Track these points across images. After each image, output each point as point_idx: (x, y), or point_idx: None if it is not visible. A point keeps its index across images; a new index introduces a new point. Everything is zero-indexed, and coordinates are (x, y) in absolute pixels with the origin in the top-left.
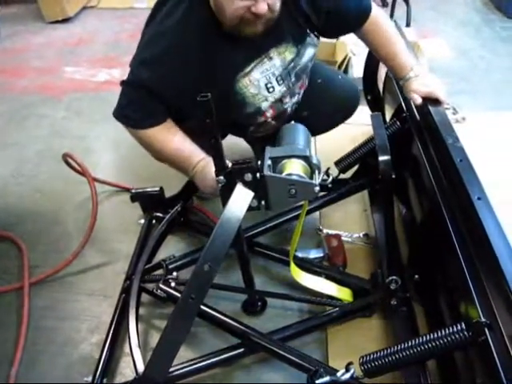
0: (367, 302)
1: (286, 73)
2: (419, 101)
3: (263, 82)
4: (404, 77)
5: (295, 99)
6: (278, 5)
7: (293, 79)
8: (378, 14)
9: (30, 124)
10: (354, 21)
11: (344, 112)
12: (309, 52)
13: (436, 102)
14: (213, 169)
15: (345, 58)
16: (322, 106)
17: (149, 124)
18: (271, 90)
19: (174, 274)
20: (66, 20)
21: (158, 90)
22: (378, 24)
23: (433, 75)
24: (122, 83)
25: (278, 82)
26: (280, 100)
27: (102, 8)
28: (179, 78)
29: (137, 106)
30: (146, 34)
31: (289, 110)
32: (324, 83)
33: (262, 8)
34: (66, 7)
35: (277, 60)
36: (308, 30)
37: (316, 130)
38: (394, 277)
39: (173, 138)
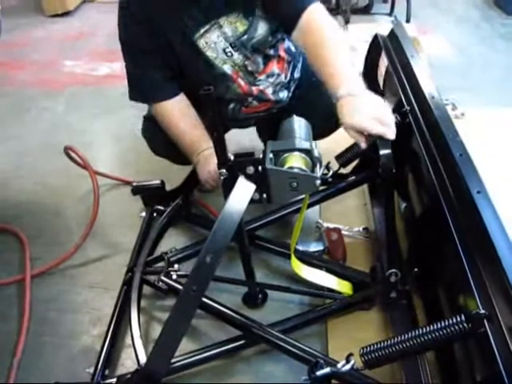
0: (367, 295)
1: (240, 43)
2: (363, 145)
3: (220, 46)
4: (335, 95)
5: (276, 79)
6: None
7: (249, 50)
8: (319, 11)
9: (31, 117)
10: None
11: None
12: (262, 25)
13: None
14: (213, 161)
15: None
16: (313, 109)
17: (159, 97)
18: (229, 54)
19: (176, 266)
20: (66, 13)
21: (146, 45)
22: (314, 23)
23: (375, 97)
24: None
25: (233, 48)
26: (249, 72)
27: (103, 1)
28: (144, 32)
29: (141, 74)
30: None
31: (269, 91)
32: (318, 83)
33: None
34: (66, 1)
35: (227, 29)
36: (258, 2)
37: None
38: (394, 270)
39: (182, 119)
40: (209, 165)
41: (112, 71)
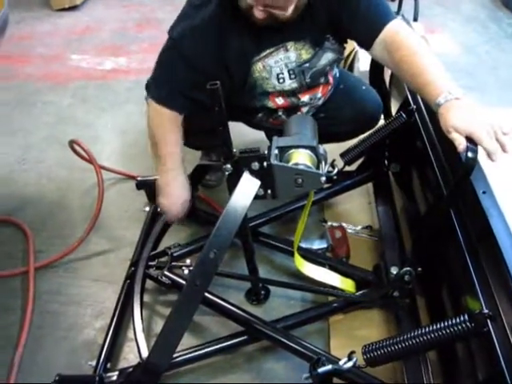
0: (372, 293)
1: (300, 71)
2: (463, 146)
3: (275, 71)
4: (436, 101)
5: (315, 102)
6: (287, 12)
7: (308, 79)
8: (400, 26)
9: (36, 111)
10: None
11: (361, 122)
12: (327, 56)
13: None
14: (176, 192)
15: (351, 52)
16: (339, 112)
17: (170, 105)
18: (281, 80)
19: (188, 261)
20: (72, 8)
21: (195, 62)
22: (399, 38)
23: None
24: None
25: (290, 75)
26: (295, 94)
27: None
28: (211, 50)
29: (168, 77)
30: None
31: (304, 110)
32: (346, 89)
33: (258, 14)
34: None
35: (292, 54)
36: (328, 35)
37: (330, 136)
38: (408, 268)
39: (171, 131)
40: (178, 192)
41: (118, 66)
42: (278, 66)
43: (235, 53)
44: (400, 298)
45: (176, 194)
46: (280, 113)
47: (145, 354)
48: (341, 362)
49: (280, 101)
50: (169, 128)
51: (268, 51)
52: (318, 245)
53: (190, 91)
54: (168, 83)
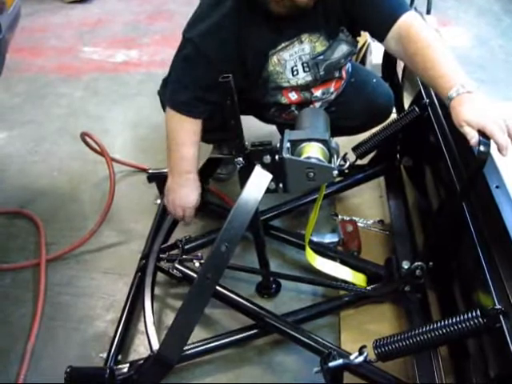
0: (383, 288)
1: (314, 63)
2: (475, 140)
3: (290, 64)
4: (448, 95)
5: (327, 96)
6: None
7: (321, 72)
8: (414, 19)
9: (48, 103)
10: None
11: (373, 116)
12: (342, 48)
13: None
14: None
15: (364, 44)
16: (351, 105)
17: (187, 113)
18: (295, 73)
19: (199, 254)
20: (84, 0)
21: (217, 60)
22: (413, 31)
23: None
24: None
25: (303, 68)
26: (308, 89)
27: None
28: (231, 47)
29: (187, 81)
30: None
31: (316, 105)
32: (357, 83)
33: None
34: None
35: (306, 46)
36: (343, 27)
37: (343, 129)
38: (420, 263)
39: (188, 134)
40: (192, 196)
41: (129, 58)
42: (292, 59)
43: (253, 47)
44: (411, 293)
45: (187, 197)
46: (293, 108)
47: (155, 346)
48: (352, 357)
49: (293, 96)
50: (188, 133)
51: (283, 45)
52: (329, 239)
53: (205, 92)
54: (187, 88)
